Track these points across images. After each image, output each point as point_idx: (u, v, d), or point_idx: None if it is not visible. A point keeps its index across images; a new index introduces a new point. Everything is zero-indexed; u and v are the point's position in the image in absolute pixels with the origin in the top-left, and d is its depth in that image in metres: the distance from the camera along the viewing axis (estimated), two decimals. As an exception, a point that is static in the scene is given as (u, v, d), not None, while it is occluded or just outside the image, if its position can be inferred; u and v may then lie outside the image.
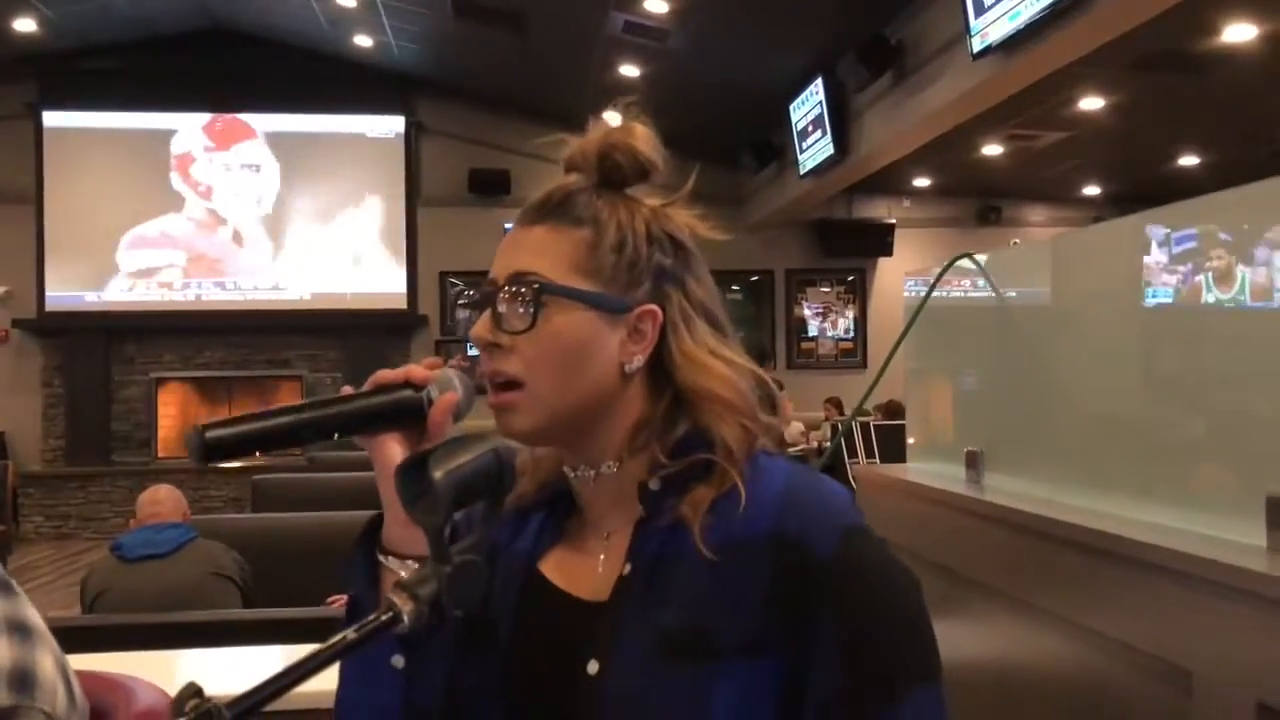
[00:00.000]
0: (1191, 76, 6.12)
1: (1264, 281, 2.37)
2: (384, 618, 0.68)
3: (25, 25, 9.54)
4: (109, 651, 2.28)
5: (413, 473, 0.75)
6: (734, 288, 11.72)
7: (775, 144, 9.68)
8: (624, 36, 8.30)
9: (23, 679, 0.84)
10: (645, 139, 0.96)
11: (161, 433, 10.83)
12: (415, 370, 0.90)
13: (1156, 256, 2.79)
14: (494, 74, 10.31)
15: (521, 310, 0.90)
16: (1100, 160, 9.83)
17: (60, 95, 10.59)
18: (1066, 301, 3.06)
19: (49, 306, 10.57)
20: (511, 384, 0.91)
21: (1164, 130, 8.30)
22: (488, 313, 0.92)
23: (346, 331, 10.94)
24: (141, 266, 10.73)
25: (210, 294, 10.83)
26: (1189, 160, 9.45)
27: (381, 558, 0.90)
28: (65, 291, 10.60)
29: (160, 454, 10.60)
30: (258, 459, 10.66)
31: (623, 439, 0.92)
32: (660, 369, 0.93)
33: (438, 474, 0.72)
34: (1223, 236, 2.61)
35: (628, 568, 0.90)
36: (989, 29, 5.52)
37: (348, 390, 0.87)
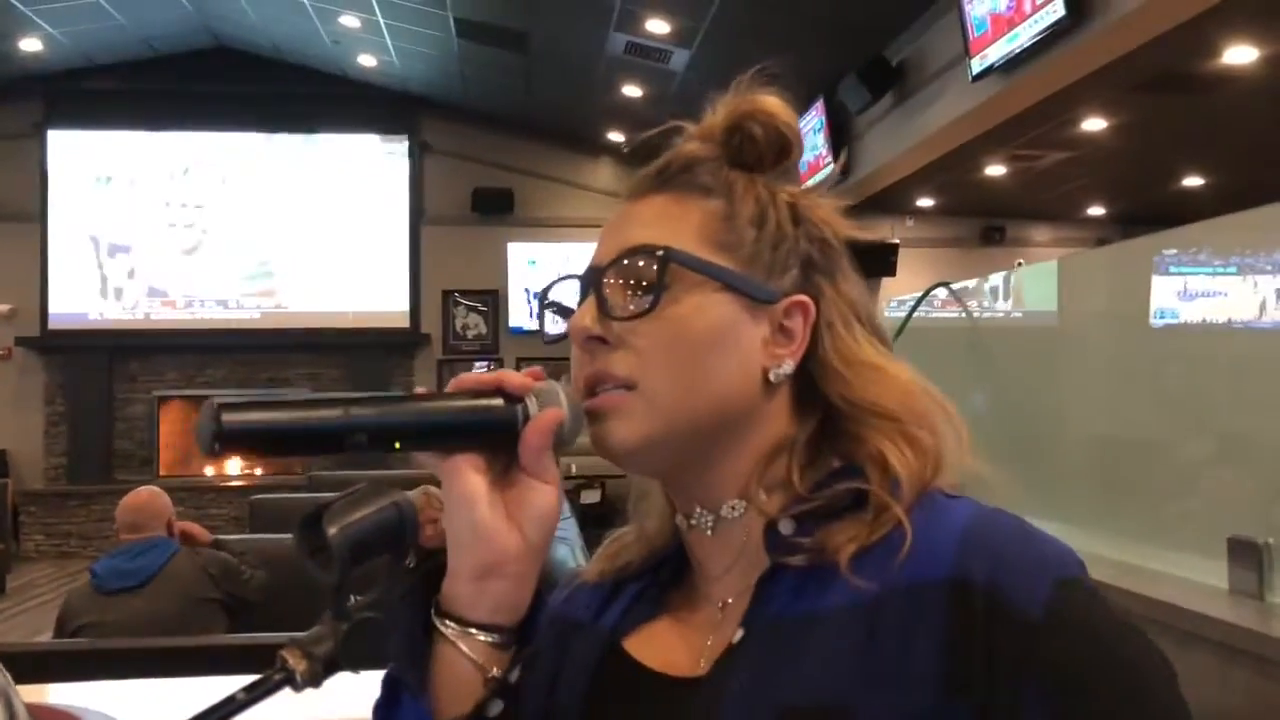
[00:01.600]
0: (1193, 98, 6.13)
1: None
2: (276, 677, 0.62)
3: (31, 45, 9.59)
4: (84, 681, 2.25)
5: (310, 526, 0.66)
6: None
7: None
8: (626, 57, 8.34)
9: None
10: (784, 110, 0.78)
11: (163, 451, 10.82)
12: (511, 377, 0.69)
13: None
14: (497, 94, 10.36)
15: (639, 290, 0.70)
16: (1104, 180, 9.83)
17: (65, 114, 10.64)
18: (1038, 334, 3.07)
19: (52, 324, 10.58)
20: (621, 386, 0.70)
21: (1167, 151, 8.31)
22: (590, 300, 0.72)
23: (349, 350, 10.95)
24: (141, 284, 10.74)
25: (212, 312, 10.85)
26: (1193, 181, 9.46)
27: (439, 622, 0.69)
28: (68, 309, 10.62)
29: (162, 472, 10.58)
30: (258, 476, 10.69)
31: (751, 469, 0.71)
32: (810, 382, 0.73)
33: (332, 530, 0.64)
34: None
35: (739, 634, 0.69)
36: (988, 50, 5.54)
37: (422, 391, 0.69)
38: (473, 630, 0.69)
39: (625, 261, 0.71)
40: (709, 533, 0.73)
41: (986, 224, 11.83)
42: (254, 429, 0.62)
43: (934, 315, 3.50)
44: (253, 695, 0.61)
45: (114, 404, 10.80)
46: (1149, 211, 10.44)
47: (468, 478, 0.68)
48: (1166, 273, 3.09)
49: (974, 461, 0.72)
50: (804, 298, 0.72)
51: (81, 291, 10.66)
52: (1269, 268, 2.62)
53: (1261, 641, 2.24)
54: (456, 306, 11.28)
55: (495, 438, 0.69)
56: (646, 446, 0.70)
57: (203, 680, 2.41)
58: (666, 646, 0.74)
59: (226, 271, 10.90)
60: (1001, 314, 3.27)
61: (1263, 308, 2.67)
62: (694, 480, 0.73)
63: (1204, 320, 2.94)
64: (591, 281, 0.73)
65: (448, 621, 0.69)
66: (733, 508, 0.72)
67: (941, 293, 3.36)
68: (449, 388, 0.69)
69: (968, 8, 5.69)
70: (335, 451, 0.66)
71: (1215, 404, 2.99)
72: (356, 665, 0.64)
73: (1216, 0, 4.31)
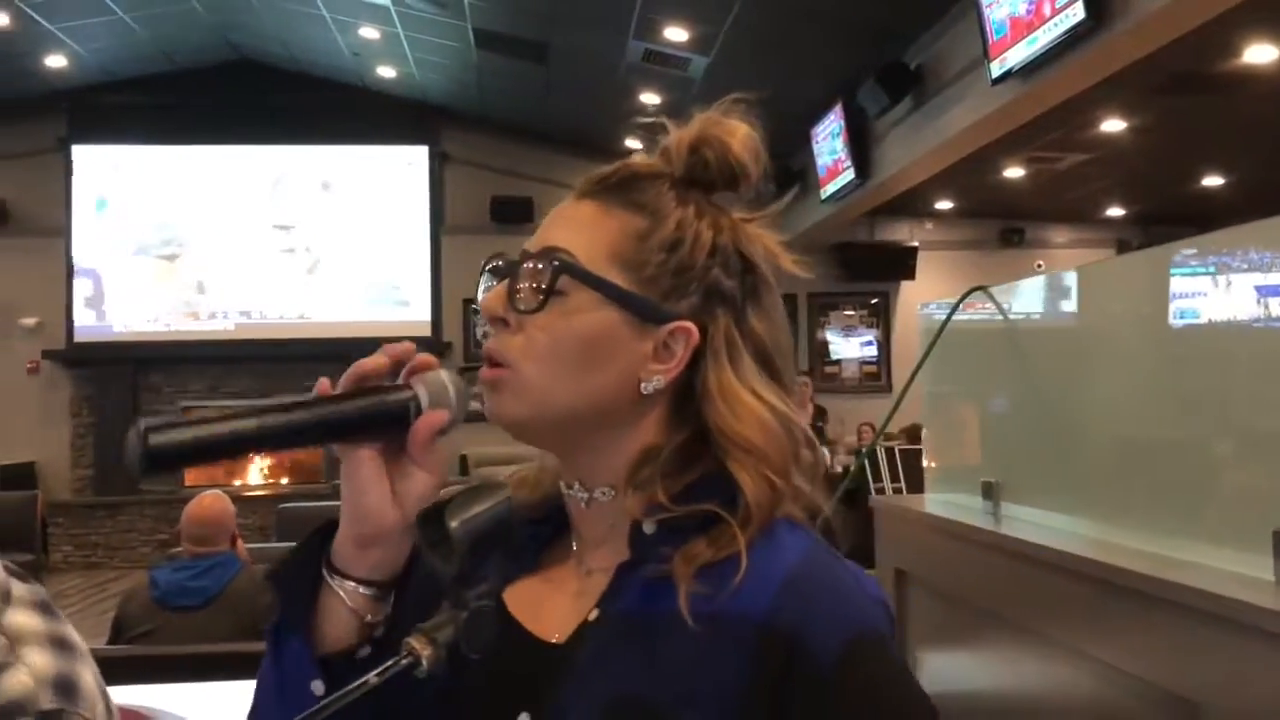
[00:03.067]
0: (1213, 98, 6.10)
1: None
2: (404, 662, 0.68)
3: (56, 61, 9.70)
4: (140, 684, 2.28)
5: (431, 521, 0.73)
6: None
7: (795, 169, 9.71)
8: (644, 65, 8.36)
9: (67, 687, 0.88)
10: (744, 141, 0.84)
11: (188, 462, 10.89)
12: (401, 353, 0.79)
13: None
14: (516, 103, 10.41)
15: (538, 288, 0.78)
16: (1123, 182, 9.79)
17: (89, 129, 10.75)
18: (1088, 332, 3.06)
19: (78, 337, 10.69)
20: (503, 365, 0.80)
21: (1187, 151, 8.27)
22: (504, 284, 0.80)
23: (371, 360, 10.99)
24: (165, 296, 10.84)
25: (237, 323, 10.93)
26: (1213, 181, 9.40)
27: (327, 574, 0.79)
28: (94, 322, 10.72)
29: (188, 482, 10.65)
30: (283, 485, 10.76)
31: (626, 466, 0.80)
32: (689, 397, 0.80)
33: (454, 524, 0.71)
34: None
35: (595, 613, 0.78)
36: (1008, 54, 5.53)
37: (324, 386, 0.77)
38: (352, 584, 0.79)
39: (536, 259, 0.79)
40: (584, 505, 0.82)
41: (1006, 226, 11.79)
42: (178, 448, 0.70)
43: (966, 318, 3.50)
44: (382, 679, 0.67)
45: (139, 415, 10.85)
46: (1169, 212, 10.39)
47: (361, 467, 0.77)
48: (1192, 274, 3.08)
49: (821, 498, 0.81)
50: (690, 324, 0.79)
51: (107, 305, 10.76)
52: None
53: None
54: (477, 315, 11.31)
55: (389, 429, 0.77)
56: (521, 423, 0.80)
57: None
58: (539, 602, 0.83)
59: (248, 283, 10.98)
60: (1038, 315, 3.28)
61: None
62: (573, 461, 0.82)
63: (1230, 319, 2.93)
64: (510, 267, 0.81)
65: (334, 574, 0.79)
66: (604, 492, 0.81)
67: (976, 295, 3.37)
68: (347, 377, 0.77)
69: (987, 11, 5.68)
70: (257, 453, 0.76)
71: (1245, 404, 2.98)
72: (475, 650, 0.70)
73: (1236, 1, 4.30)
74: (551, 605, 0.82)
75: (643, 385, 0.79)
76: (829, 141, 8.47)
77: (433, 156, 11.20)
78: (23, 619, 0.90)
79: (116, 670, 2.43)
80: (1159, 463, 2.69)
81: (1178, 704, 1.95)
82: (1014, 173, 9.42)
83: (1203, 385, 2.82)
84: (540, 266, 0.78)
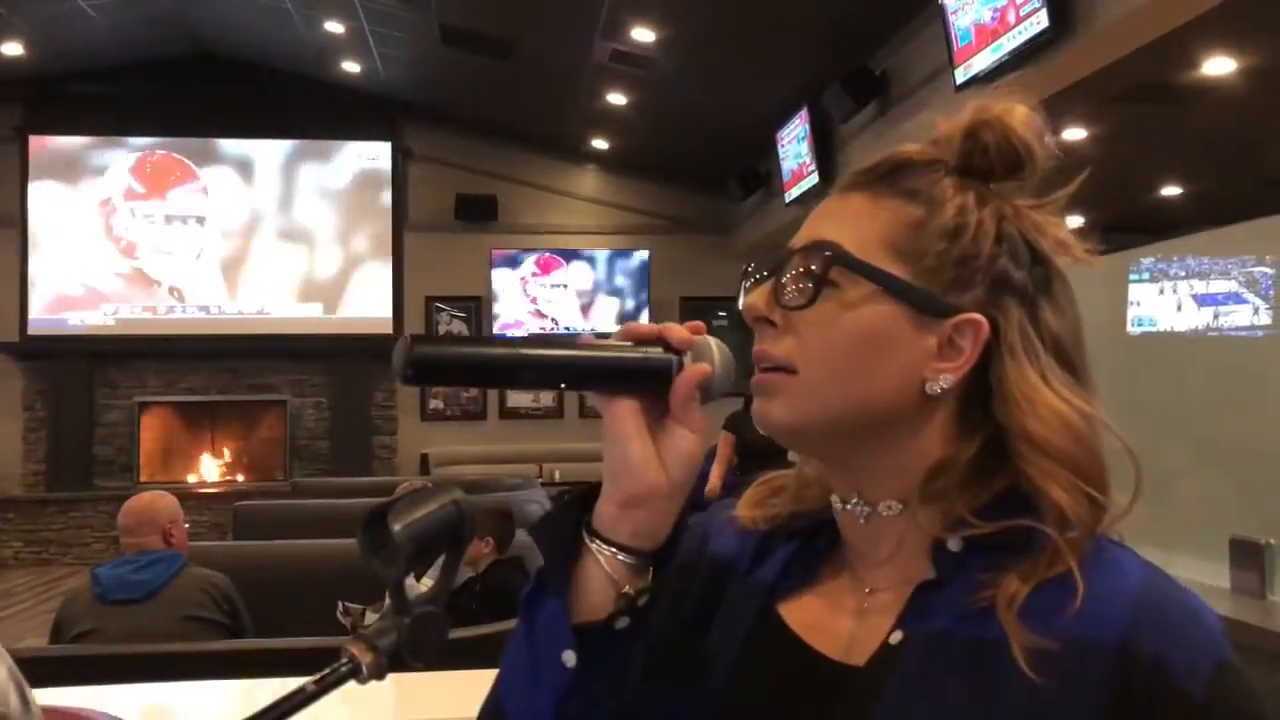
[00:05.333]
0: (1172, 109, 6.18)
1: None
2: (342, 669, 0.65)
3: (12, 49, 9.54)
4: (85, 685, 2.25)
5: (374, 525, 0.70)
6: (720, 314, 11.74)
7: (761, 172, 9.74)
8: (611, 65, 8.36)
9: None
10: (1026, 120, 0.77)
11: (144, 457, 10.76)
12: (674, 329, 0.74)
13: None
14: (481, 100, 10.36)
15: (808, 282, 0.73)
16: (1084, 190, 9.90)
17: (46, 119, 10.58)
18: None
19: (31, 330, 10.51)
20: (781, 368, 0.74)
21: (1147, 161, 8.37)
22: (770, 282, 0.75)
23: (332, 357, 10.91)
24: (123, 290, 10.69)
25: (194, 318, 10.80)
26: (1172, 190, 9.53)
27: (587, 537, 0.74)
28: (48, 315, 10.55)
29: (143, 479, 10.52)
30: (240, 483, 10.64)
31: (913, 477, 0.73)
32: (978, 401, 0.73)
33: (396, 526, 0.68)
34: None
35: (897, 635, 0.71)
36: (972, 61, 5.58)
37: (588, 338, 0.75)
38: (612, 549, 0.73)
39: (803, 253, 0.74)
40: (862, 521, 0.76)
41: (969, 233, 11.88)
42: (440, 360, 0.70)
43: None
44: (321, 687, 0.64)
45: (94, 410, 10.73)
46: (1128, 220, 10.52)
47: (624, 418, 0.73)
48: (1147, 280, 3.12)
49: (1141, 512, 0.72)
50: (978, 317, 0.72)
51: (62, 297, 10.60)
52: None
53: (1265, 637, 2.29)
54: (439, 313, 11.27)
55: (650, 384, 0.74)
56: (795, 429, 0.75)
57: (205, 684, 2.41)
58: (818, 621, 0.77)
59: (208, 277, 10.85)
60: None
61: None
62: (849, 471, 0.76)
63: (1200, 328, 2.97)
64: (774, 266, 0.76)
65: (594, 538, 0.74)
66: (889, 506, 0.74)
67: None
68: (619, 334, 0.75)
69: (952, 18, 5.73)
70: (507, 386, 0.75)
71: (1199, 410, 3.02)
72: (419, 658, 0.68)
73: (1197, 13, 4.36)
74: (832, 622, 0.76)
75: (928, 385, 0.72)
76: (794, 145, 8.50)
77: (396, 152, 11.12)
78: None
79: (53, 671, 2.40)
80: (1116, 469, 2.72)
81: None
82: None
83: (1161, 391, 2.86)
84: (814, 258, 0.73)
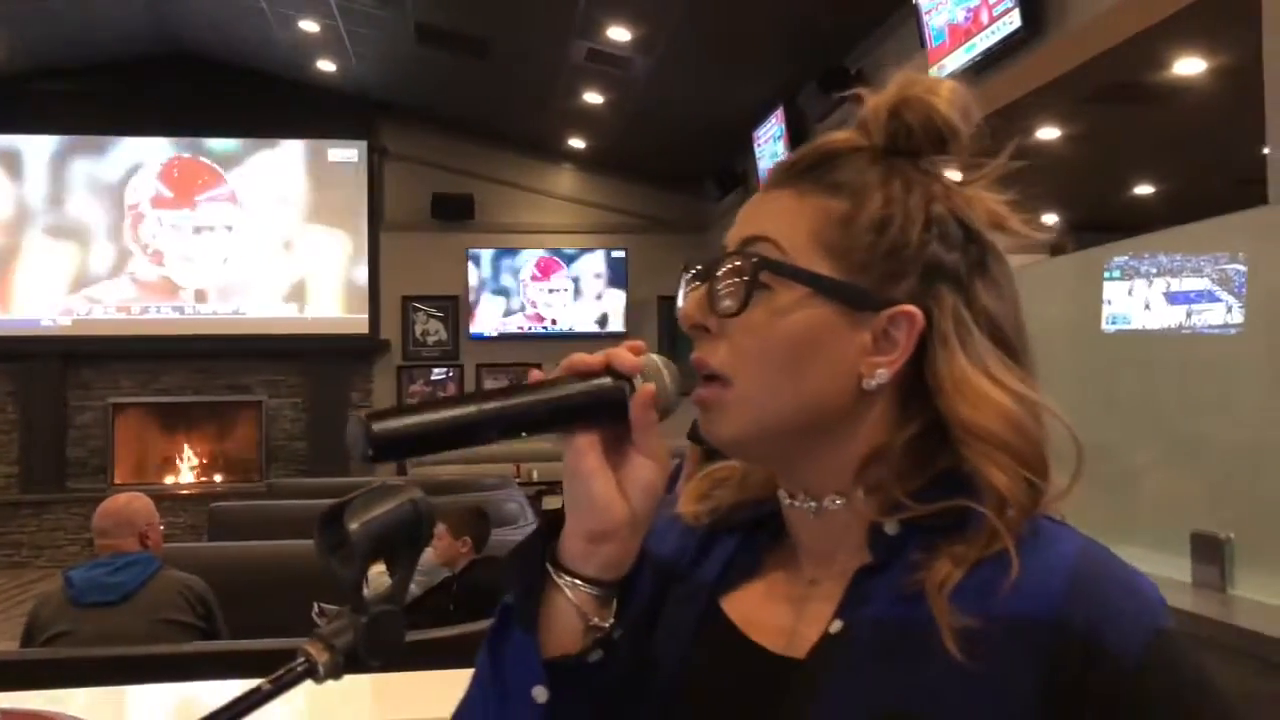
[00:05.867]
0: (1144, 108, 6.23)
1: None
2: (299, 669, 0.65)
3: (-18, 47, 9.44)
4: (56, 689, 2.23)
5: (330, 524, 0.70)
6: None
7: (738, 170, 9.76)
8: (587, 64, 8.35)
9: None
10: (951, 98, 0.75)
11: (118, 459, 10.67)
12: (619, 355, 0.73)
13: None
14: (457, 99, 10.33)
15: (737, 289, 0.72)
16: (1057, 188, 9.96)
17: (16, 118, 10.47)
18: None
19: (3, 331, 10.40)
20: (717, 378, 0.73)
21: (1119, 160, 8.44)
22: (704, 287, 0.74)
23: (308, 357, 10.85)
24: (96, 290, 10.60)
25: (169, 319, 10.71)
26: (1144, 189, 9.61)
27: (551, 570, 0.73)
28: (21, 315, 10.44)
29: (117, 480, 10.43)
30: (216, 484, 10.57)
31: (852, 469, 0.73)
32: (918, 389, 0.72)
33: (353, 525, 0.68)
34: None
35: (837, 624, 0.71)
36: (946, 60, 5.61)
37: (536, 376, 0.74)
38: (580, 582, 0.73)
39: (734, 256, 0.74)
40: (811, 517, 0.76)
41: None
42: (403, 434, 0.68)
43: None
44: (277, 686, 0.64)
45: (68, 411, 10.63)
46: (1101, 219, 10.60)
47: (585, 454, 0.72)
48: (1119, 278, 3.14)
49: (1081, 491, 0.72)
50: (911, 308, 0.71)
51: (35, 298, 10.49)
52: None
53: (1225, 631, 2.32)
54: (416, 313, 11.22)
55: (606, 416, 0.73)
56: (742, 442, 0.74)
57: (175, 686, 2.40)
58: (760, 614, 0.77)
59: (183, 277, 10.77)
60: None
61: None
62: (795, 472, 0.76)
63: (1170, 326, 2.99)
64: (708, 268, 0.75)
65: (561, 572, 0.73)
66: (834, 500, 0.74)
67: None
68: (561, 368, 0.73)
69: (926, 18, 5.76)
70: (469, 446, 0.71)
71: (1172, 407, 3.05)
72: (376, 657, 0.67)
73: (1168, 13, 4.40)
74: (777, 617, 0.76)
75: (864, 381, 0.71)
76: (770, 144, 8.51)
77: (372, 151, 11.07)
78: None
79: (24, 676, 2.38)
80: (1092, 457, 2.74)
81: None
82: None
83: (1134, 389, 2.89)
84: (738, 264, 0.72)
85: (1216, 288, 2.85)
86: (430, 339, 11.23)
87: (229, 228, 10.84)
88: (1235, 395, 2.88)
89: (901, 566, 0.70)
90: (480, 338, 11.10)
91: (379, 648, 0.68)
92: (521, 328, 11.16)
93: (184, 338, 10.67)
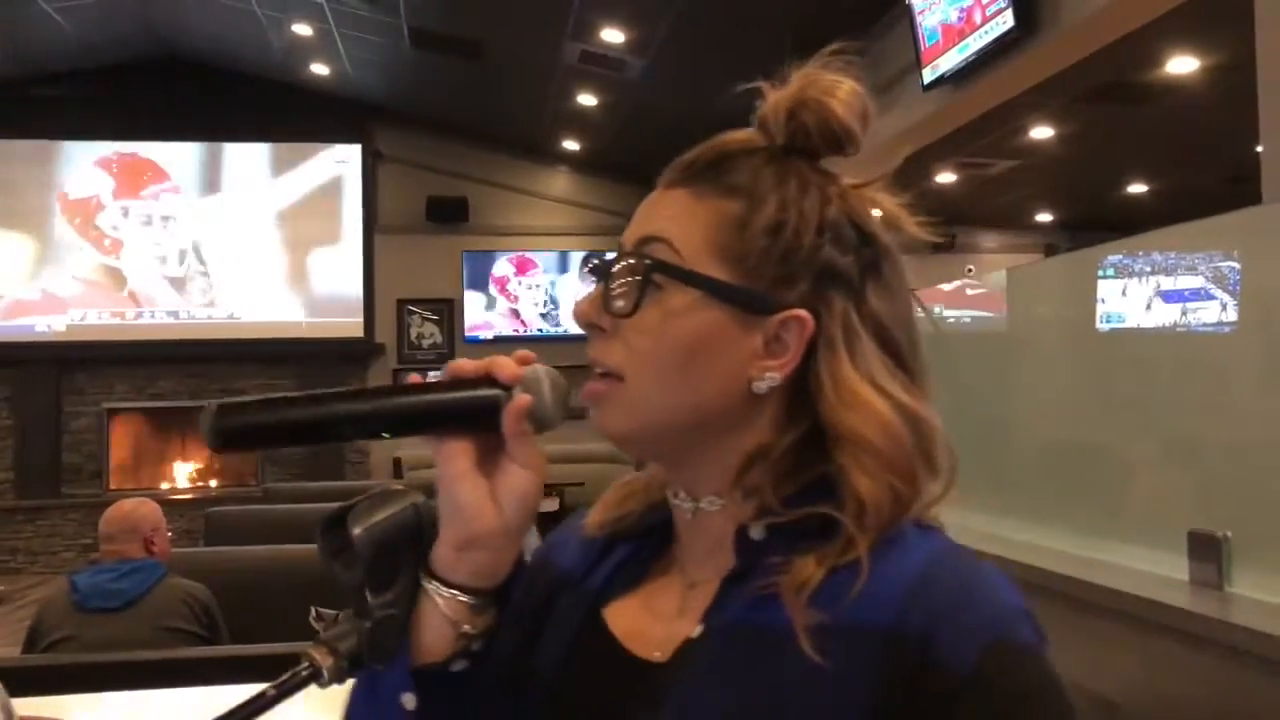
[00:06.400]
0: (1137, 107, 6.25)
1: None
2: (303, 673, 0.65)
3: (-26, 52, 9.41)
4: (61, 694, 2.23)
5: (333, 529, 0.70)
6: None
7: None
8: (581, 66, 8.35)
9: None
10: (846, 100, 0.76)
11: (113, 464, 10.64)
12: (501, 364, 0.73)
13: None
14: (451, 102, 10.33)
15: (630, 289, 0.72)
16: (1051, 188, 9.99)
17: (10, 123, 10.44)
18: (1016, 334, 3.12)
19: (-3, 337, 10.38)
20: (609, 375, 0.74)
21: (1113, 159, 8.46)
22: (600, 286, 0.75)
23: (303, 360, 10.83)
24: (90, 295, 10.57)
25: (162, 324, 10.69)
26: (1137, 188, 9.63)
27: (424, 579, 0.73)
28: (15, 321, 10.42)
29: (112, 486, 10.40)
30: (213, 488, 10.55)
31: (733, 471, 0.73)
32: (806, 394, 0.72)
33: (356, 530, 0.68)
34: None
35: (698, 629, 0.72)
36: (939, 61, 5.62)
37: (415, 379, 0.73)
38: (452, 591, 0.73)
39: (629, 257, 0.74)
40: (689, 516, 0.76)
41: (936, 231, 11.93)
42: (248, 427, 0.66)
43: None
44: (281, 691, 0.64)
45: (62, 417, 10.61)
46: (1095, 218, 10.63)
47: (452, 459, 0.72)
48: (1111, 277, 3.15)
49: (958, 498, 0.72)
50: (802, 313, 0.71)
51: (28, 303, 10.47)
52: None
53: (1223, 629, 2.33)
54: (411, 316, 11.21)
55: (478, 423, 0.73)
56: (627, 436, 0.74)
57: (179, 692, 2.40)
58: (638, 622, 0.77)
59: (178, 282, 10.75)
60: (967, 319, 3.33)
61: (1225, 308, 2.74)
62: (680, 470, 0.76)
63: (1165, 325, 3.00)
64: (606, 266, 0.75)
65: (430, 579, 0.73)
66: (711, 501, 0.75)
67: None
68: (444, 374, 0.74)
69: (919, 18, 5.77)
70: (325, 442, 0.70)
71: (1168, 405, 3.05)
72: (379, 661, 0.68)
73: (1160, 13, 4.41)
74: (654, 622, 0.76)
75: (754, 384, 0.72)
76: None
77: (366, 155, 11.06)
78: None
79: (30, 681, 2.37)
80: (1081, 465, 2.75)
81: (1098, 704, 1.99)
82: (945, 178, 9.55)
83: (1129, 388, 2.89)
84: (632, 264, 0.73)
85: (1211, 286, 2.85)
86: (425, 342, 11.23)
87: (222, 232, 10.82)
88: (1230, 393, 2.89)
89: (763, 571, 0.69)
90: (475, 340, 11.10)
91: (383, 652, 0.68)
92: (516, 330, 11.15)
93: (178, 342, 10.65)
